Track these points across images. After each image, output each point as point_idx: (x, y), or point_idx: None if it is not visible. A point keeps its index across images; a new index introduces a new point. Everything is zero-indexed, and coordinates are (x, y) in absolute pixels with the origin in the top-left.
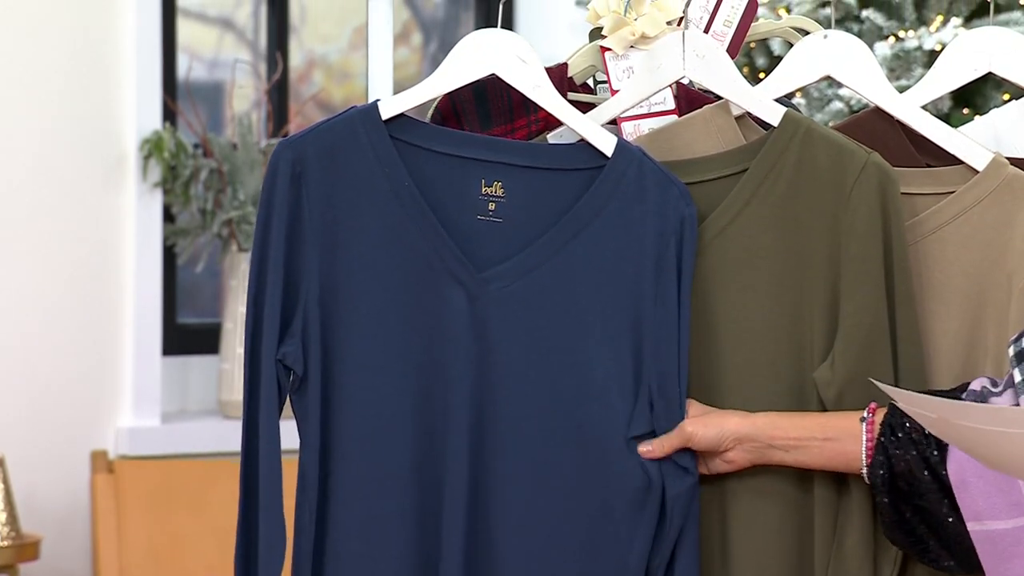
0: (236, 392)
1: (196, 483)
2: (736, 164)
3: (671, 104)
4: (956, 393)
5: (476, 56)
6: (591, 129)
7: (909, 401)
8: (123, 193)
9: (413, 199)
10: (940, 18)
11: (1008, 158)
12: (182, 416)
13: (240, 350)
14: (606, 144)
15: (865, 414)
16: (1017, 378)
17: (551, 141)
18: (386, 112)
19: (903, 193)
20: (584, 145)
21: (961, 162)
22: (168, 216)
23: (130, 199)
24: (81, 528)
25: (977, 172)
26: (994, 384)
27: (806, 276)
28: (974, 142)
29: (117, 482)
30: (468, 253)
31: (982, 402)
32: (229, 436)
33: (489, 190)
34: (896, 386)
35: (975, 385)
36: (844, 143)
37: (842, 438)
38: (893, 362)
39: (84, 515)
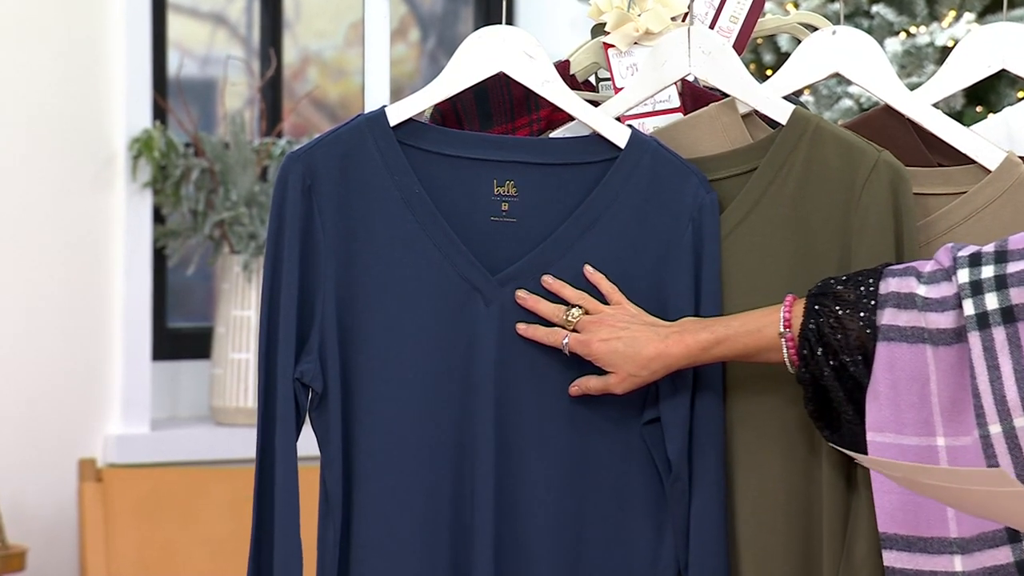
0: (228, 398)
1: (187, 492)
2: (744, 163)
3: (676, 102)
4: (873, 275)
5: (482, 55)
6: (604, 122)
7: (876, 465)
8: (112, 194)
9: (424, 206)
10: (953, 13)
11: (1021, 157)
12: (172, 423)
13: (233, 355)
14: (620, 136)
15: (782, 328)
16: (968, 310)
17: None
18: (394, 118)
19: (914, 193)
20: (596, 138)
21: (973, 161)
22: (158, 217)
23: (119, 200)
24: (68, 538)
25: (990, 172)
26: (919, 276)
27: (816, 277)
28: (987, 141)
29: (105, 491)
30: (482, 257)
31: (911, 307)
32: (221, 443)
33: (501, 190)
34: None
35: (893, 286)
36: (854, 141)
37: (763, 351)
38: None
39: (71, 525)
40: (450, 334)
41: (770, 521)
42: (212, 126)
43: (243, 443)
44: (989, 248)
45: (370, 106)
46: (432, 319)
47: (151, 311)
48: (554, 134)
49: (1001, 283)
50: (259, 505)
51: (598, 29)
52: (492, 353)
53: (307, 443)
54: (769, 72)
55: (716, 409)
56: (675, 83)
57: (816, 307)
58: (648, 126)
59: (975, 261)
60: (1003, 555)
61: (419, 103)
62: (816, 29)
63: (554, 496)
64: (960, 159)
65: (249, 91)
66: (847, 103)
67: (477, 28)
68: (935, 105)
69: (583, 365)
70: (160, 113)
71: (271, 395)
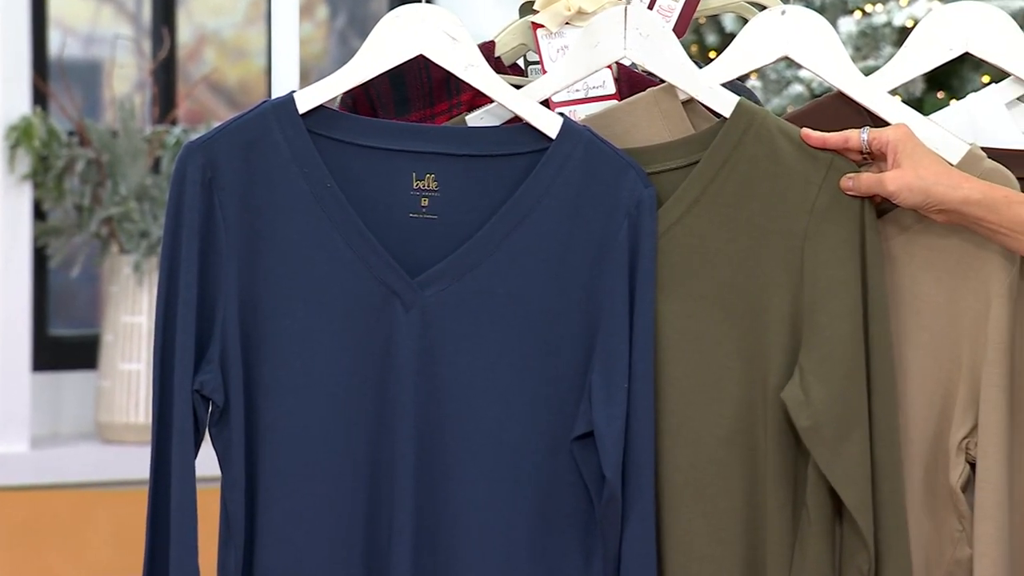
0: (116, 413)
1: (70, 517)
2: (684, 156)
3: (611, 88)
4: None
5: (400, 36)
6: (533, 110)
7: None
8: None
9: (336, 201)
10: None
11: (985, 149)
12: (54, 441)
13: (122, 365)
14: (551, 125)
15: None
16: None
17: (470, 124)
18: (303, 105)
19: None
20: (525, 127)
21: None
22: (39, 213)
23: None
24: None
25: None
26: None
27: (762, 284)
28: (948, 132)
29: None
30: (400, 257)
31: None
32: (108, 463)
33: (421, 184)
34: (868, 406)
35: None
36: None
37: None
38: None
39: None
40: (365, 342)
41: (705, 549)
42: (98, 112)
43: (133, 463)
44: None
45: (277, 91)
46: (345, 326)
47: (31, 317)
48: (470, 117)
49: None
50: (152, 529)
51: (526, 8)
52: (412, 363)
53: (206, 462)
54: (712, 55)
55: (650, 423)
56: (610, 67)
57: None
58: (580, 114)
59: None
60: None
61: (331, 89)
62: (763, 8)
63: (478, 520)
64: None
65: (139, 74)
66: (797, 88)
67: (392, 6)
68: (893, 91)
69: (513, 374)
70: (40, 98)
71: (167, 408)
